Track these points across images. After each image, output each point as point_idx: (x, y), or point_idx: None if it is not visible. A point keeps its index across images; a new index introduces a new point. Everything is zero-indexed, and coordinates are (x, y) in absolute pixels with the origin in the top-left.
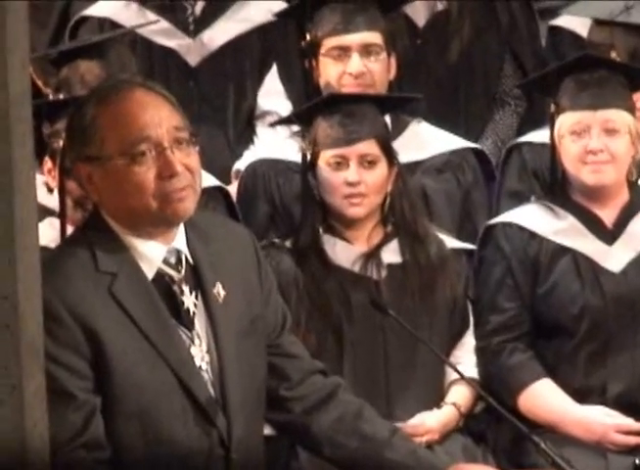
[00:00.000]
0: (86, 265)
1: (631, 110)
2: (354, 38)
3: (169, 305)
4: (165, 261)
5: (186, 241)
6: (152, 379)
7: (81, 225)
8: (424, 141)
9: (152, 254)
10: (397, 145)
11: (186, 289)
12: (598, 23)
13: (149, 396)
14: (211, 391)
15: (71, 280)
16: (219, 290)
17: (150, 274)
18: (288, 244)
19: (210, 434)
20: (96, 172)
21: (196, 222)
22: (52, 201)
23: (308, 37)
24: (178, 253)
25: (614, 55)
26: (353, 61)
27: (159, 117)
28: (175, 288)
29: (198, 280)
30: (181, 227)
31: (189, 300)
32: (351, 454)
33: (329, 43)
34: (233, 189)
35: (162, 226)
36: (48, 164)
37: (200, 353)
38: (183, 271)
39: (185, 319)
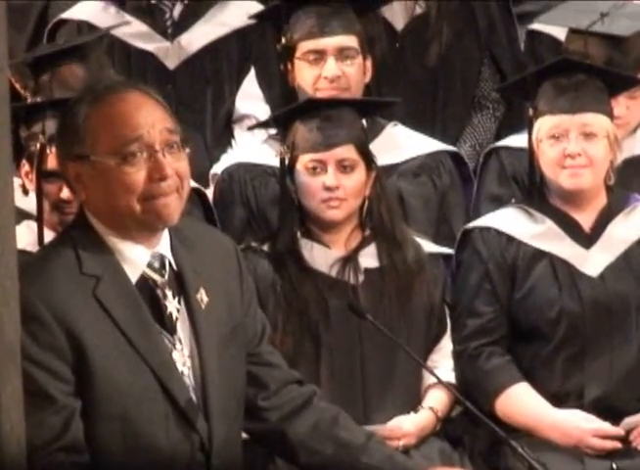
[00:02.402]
0: (70, 268)
1: (609, 114)
2: (330, 42)
3: (152, 310)
4: (149, 266)
5: (170, 246)
6: (133, 383)
7: (67, 227)
8: (400, 144)
9: (136, 257)
10: (373, 148)
11: (169, 294)
12: (573, 31)
13: (130, 399)
14: (193, 396)
15: (55, 282)
16: (202, 296)
17: (134, 278)
18: (265, 248)
19: (191, 439)
20: (85, 171)
21: (180, 229)
22: (28, 203)
23: (284, 40)
24: (162, 258)
25: None
26: (329, 65)
27: (152, 118)
28: (158, 292)
29: (181, 285)
30: (165, 233)
31: (172, 305)
32: (328, 460)
33: (304, 47)
34: (210, 193)
35: (146, 230)
36: (25, 167)
37: (181, 358)
38: (166, 276)
39: (168, 324)
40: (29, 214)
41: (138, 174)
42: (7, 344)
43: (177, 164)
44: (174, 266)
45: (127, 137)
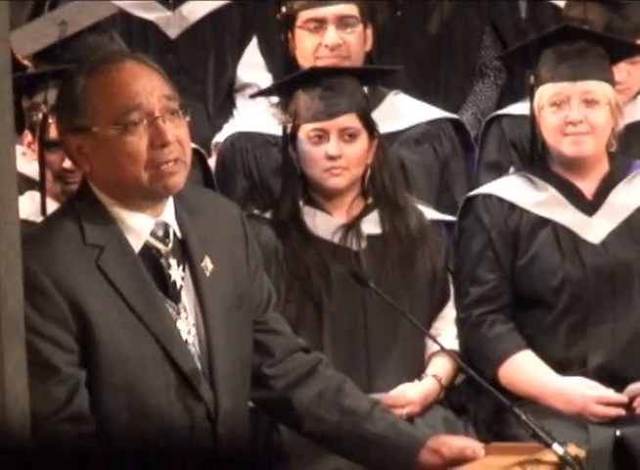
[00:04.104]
0: (73, 238)
1: (611, 81)
2: (330, 10)
3: (156, 279)
4: (153, 234)
5: (174, 214)
6: (137, 352)
7: (70, 198)
8: (401, 112)
9: (139, 226)
10: (375, 116)
11: (173, 262)
12: None
13: (134, 368)
14: (198, 364)
15: (58, 253)
16: (207, 264)
17: (137, 247)
18: (268, 215)
19: (196, 407)
20: (86, 143)
21: (184, 196)
22: (32, 170)
23: (284, 9)
24: (166, 226)
25: None
26: (329, 33)
27: (150, 86)
28: (162, 261)
29: (186, 254)
30: (170, 200)
31: (176, 273)
32: (332, 428)
33: (305, 15)
34: (212, 162)
35: (152, 199)
36: (28, 137)
37: (186, 327)
38: (171, 244)
39: (172, 292)
40: (33, 181)
41: (140, 143)
42: (10, 315)
43: (177, 130)
44: (178, 234)
45: (127, 106)
